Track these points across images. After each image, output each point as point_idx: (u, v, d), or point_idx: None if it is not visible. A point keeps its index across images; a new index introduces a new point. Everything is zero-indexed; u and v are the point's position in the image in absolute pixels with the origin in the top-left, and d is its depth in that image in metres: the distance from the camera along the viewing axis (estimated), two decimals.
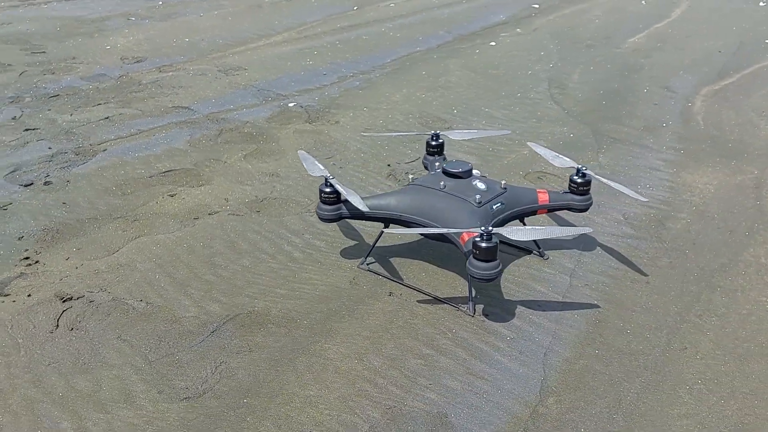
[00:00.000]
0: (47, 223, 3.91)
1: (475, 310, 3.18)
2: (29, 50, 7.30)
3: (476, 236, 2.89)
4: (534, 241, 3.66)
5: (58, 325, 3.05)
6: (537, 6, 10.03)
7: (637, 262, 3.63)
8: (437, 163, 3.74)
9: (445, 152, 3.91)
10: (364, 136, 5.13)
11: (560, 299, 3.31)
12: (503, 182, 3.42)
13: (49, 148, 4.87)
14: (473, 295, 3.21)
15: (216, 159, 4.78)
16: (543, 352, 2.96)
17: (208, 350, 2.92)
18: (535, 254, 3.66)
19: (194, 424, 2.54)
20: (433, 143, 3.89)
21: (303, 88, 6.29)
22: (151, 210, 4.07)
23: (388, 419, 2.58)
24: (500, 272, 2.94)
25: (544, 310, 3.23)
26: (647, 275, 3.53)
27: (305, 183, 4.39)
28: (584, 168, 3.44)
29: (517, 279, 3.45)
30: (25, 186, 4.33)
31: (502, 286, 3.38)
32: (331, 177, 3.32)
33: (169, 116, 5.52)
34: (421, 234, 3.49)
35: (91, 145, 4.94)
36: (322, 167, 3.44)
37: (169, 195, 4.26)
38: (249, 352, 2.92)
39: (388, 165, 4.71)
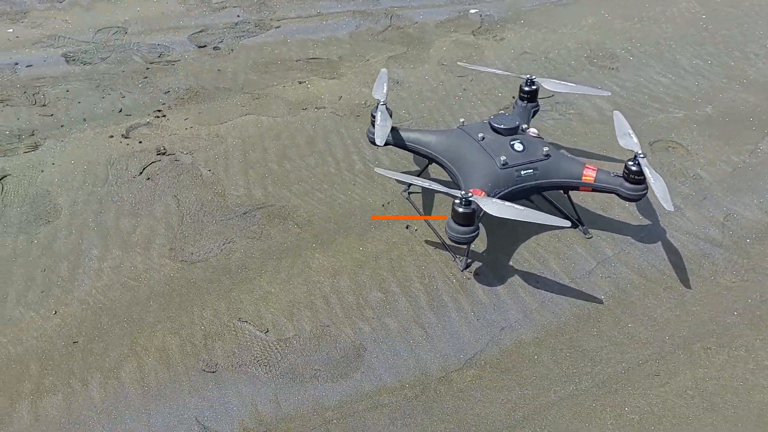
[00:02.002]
0: (193, 84, 4.62)
1: (467, 265, 3.21)
2: None
3: (455, 199, 2.89)
4: (577, 214, 3.45)
5: (142, 172, 3.77)
6: None
7: (692, 270, 3.25)
8: (516, 111, 3.63)
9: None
10: (461, 66, 4.76)
11: (566, 282, 3.17)
12: (547, 148, 3.24)
13: (238, 15, 5.55)
14: (469, 250, 3.21)
15: (361, 55, 5.05)
16: (501, 326, 2.94)
17: (230, 228, 3.42)
18: (580, 229, 3.46)
19: (173, 281, 3.10)
20: (526, 89, 3.72)
21: None
22: (276, 92, 4.56)
23: (315, 335, 2.88)
24: (472, 238, 2.93)
25: (539, 289, 3.13)
26: (690, 288, 3.16)
27: (414, 99, 4.50)
28: (642, 155, 3.10)
29: (537, 249, 3.34)
30: (199, 47, 5.08)
31: (515, 252, 3.32)
32: (383, 103, 3.45)
33: (354, 3, 5.84)
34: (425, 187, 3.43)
35: (271, 19, 5.52)
36: (384, 92, 3.56)
37: (299, 82, 4.69)
38: (257, 239, 3.36)
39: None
